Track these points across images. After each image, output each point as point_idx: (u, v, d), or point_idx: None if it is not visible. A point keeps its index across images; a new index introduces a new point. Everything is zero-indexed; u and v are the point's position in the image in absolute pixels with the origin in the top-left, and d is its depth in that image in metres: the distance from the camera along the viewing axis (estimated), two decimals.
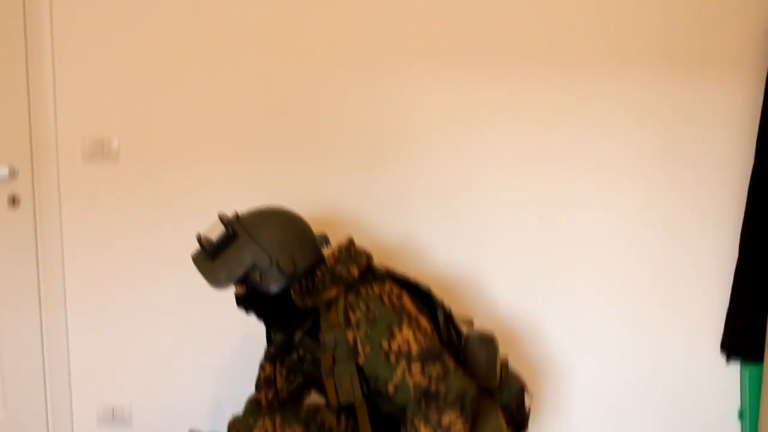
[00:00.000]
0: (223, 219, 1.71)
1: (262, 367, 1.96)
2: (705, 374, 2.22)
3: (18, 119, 2.23)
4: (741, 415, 2.21)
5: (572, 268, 2.21)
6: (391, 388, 1.61)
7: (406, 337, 1.62)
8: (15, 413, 2.34)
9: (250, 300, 1.72)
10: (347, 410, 1.71)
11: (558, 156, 2.17)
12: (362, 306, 1.66)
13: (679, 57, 2.12)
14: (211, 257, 1.67)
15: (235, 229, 1.67)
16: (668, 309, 2.21)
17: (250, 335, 2.23)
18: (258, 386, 1.97)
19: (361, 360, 1.62)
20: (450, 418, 1.58)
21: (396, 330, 1.62)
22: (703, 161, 2.16)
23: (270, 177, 2.22)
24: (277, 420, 1.81)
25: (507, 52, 2.14)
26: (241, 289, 1.71)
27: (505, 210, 2.19)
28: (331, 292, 1.68)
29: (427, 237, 2.22)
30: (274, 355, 1.86)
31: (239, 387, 2.12)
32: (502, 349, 1.95)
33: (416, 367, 1.60)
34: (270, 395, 1.93)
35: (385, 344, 1.61)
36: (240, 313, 1.77)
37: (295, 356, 1.80)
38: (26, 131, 2.23)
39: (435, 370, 1.60)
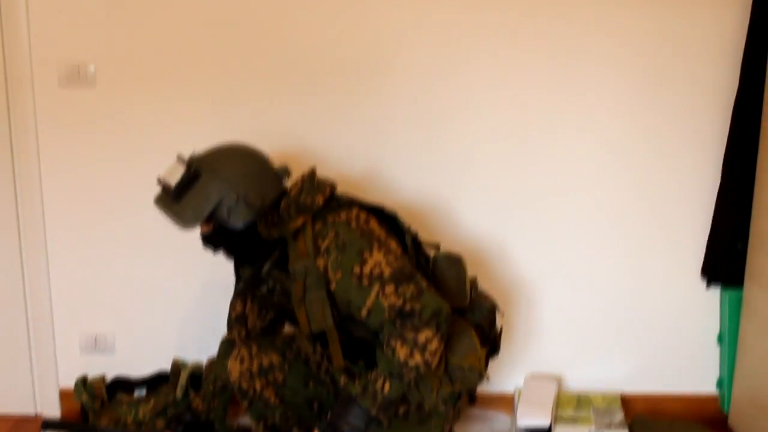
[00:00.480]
0: (182, 159, 1.69)
1: (232, 306, 1.96)
2: (685, 299, 2.24)
3: None
4: (720, 338, 2.23)
5: (551, 191, 2.21)
6: (364, 312, 1.62)
7: (378, 260, 1.63)
8: None
9: (217, 237, 1.72)
10: (321, 338, 1.72)
11: (538, 79, 2.15)
12: (330, 233, 1.66)
13: None
14: (175, 198, 1.64)
15: (197, 167, 1.65)
16: (649, 234, 2.22)
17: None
18: (230, 325, 1.97)
19: (333, 286, 1.63)
20: (426, 335, 1.59)
21: (366, 254, 1.63)
22: (687, 85, 2.15)
23: (242, 105, 2.20)
24: (254, 348, 1.82)
25: None
26: (208, 228, 1.70)
27: (483, 134, 2.18)
28: (298, 222, 1.67)
29: (397, 168, 2.21)
30: (243, 291, 1.87)
31: (222, 314, 2.11)
32: (474, 272, 1.96)
33: (390, 288, 1.61)
34: (242, 333, 1.94)
35: (356, 269, 1.62)
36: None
37: (264, 289, 1.80)
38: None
39: (409, 290, 1.61)
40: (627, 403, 2.27)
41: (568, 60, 2.13)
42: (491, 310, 1.87)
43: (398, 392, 1.63)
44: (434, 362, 1.62)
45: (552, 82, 2.14)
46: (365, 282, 1.61)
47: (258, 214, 1.67)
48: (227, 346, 1.97)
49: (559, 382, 2.28)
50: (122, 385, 2.24)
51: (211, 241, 1.73)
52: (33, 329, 2.33)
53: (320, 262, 1.64)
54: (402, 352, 1.58)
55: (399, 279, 1.61)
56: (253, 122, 2.20)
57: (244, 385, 1.79)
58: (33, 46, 2.17)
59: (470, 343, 1.73)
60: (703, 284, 2.22)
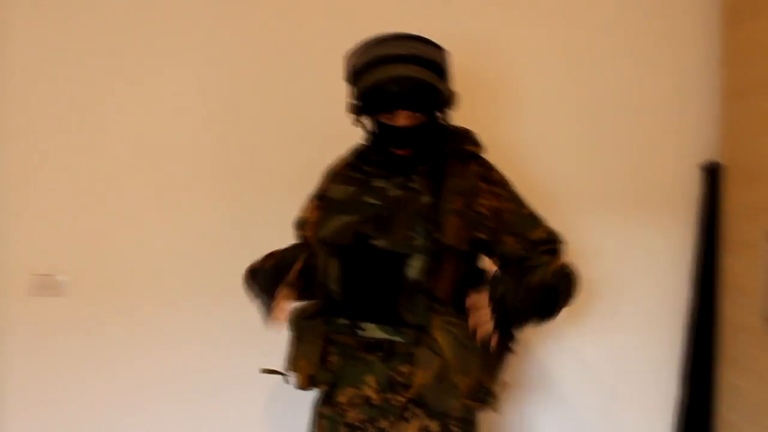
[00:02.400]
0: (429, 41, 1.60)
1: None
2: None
3: None
4: None
5: None
6: (535, 235, 1.63)
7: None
8: None
9: (422, 132, 1.60)
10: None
11: None
12: (500, 171, 1.70)
13: (616, 198, 2.21)
14: (441, 78, 1.58)
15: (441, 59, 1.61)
16: None
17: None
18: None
19: (503, 216, 1.63)
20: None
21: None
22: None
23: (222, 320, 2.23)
24: None
25: None
26: (421, 119, 1.59)
27: None
28: (476, 148, 1.69)
29: None
30: (389, 170, 1.65)
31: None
32: None
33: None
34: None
35: (524, 203, 1.67)
36: None
37: (401, 179, 1.64)
38: None
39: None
40: None
41: None
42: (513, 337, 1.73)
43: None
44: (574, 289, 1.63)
45: None
46: (534, 213, 1.67)
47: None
48: None
49: None
50: None
51: (415, 134, 1.59)
52: None
53: (485, 189, 1.63)
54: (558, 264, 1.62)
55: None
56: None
57: None
58: (3, 254, 2.21)
59: (496, 364, 1.64)
60: None
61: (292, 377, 1.64)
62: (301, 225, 1.79)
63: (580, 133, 2.21)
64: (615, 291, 2.20)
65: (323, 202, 1.71)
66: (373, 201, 1.61)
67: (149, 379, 2.24)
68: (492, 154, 1.72)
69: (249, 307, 2.14)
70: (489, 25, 2.21)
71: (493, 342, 1.54)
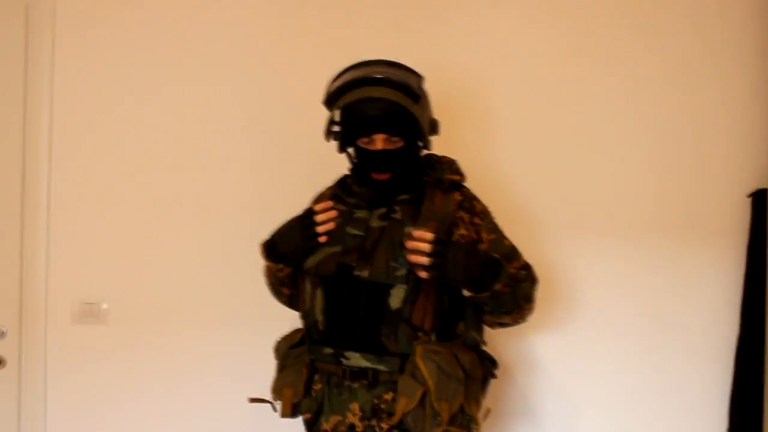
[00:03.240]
0: (407, 68, 1.64)
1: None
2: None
3: (9, 282, 2.23)
4: None
5: None
6: (516, 265, 1.62)
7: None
8: None
9: (400, 156, 1.63)
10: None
11: None
12: (482, 202, 1.71)
13: (664, 227, 2.18)
14: (415, 101, 1.59)
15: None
16: None
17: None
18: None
19: (484, 246, 1.63)
20: (533, 290, 1.65)
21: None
22: (690, 329, 2.18)
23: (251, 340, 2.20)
24: None
25: None
26: (399, 143, 1.62)
27: None
28: (456, 177, 1.70)
29: None
30: (370, 202, 1.68)
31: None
32: None
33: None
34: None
35: (506, 237, 1.68)
36: None
37: (384, 210, 1.66)
38: (17, 294, 2.23)
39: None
40: None
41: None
42: (493, 362, 1.72)
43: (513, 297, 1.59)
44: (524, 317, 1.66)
45: None
46: (512, 246, 1.67)
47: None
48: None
49: None
50: None
51: (393, 158, 1.63)
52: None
53: (466, 220, 1.64)
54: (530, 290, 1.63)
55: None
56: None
57: None
58: (49, 284, 2.23)
59: (479, 390, 1.64)
60: None
61: (278, 405, 1.67)
62: None
63: (629, 159, 2.19)
64: (664, 322, 2.17)
65: None
66: (356, 232, 1.63)
67: (188, 404, 2.24)
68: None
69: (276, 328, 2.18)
70: (487, 49, 2.22)
71: (422, 274, 1.51)
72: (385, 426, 1.58)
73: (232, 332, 2.23)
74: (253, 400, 1.74)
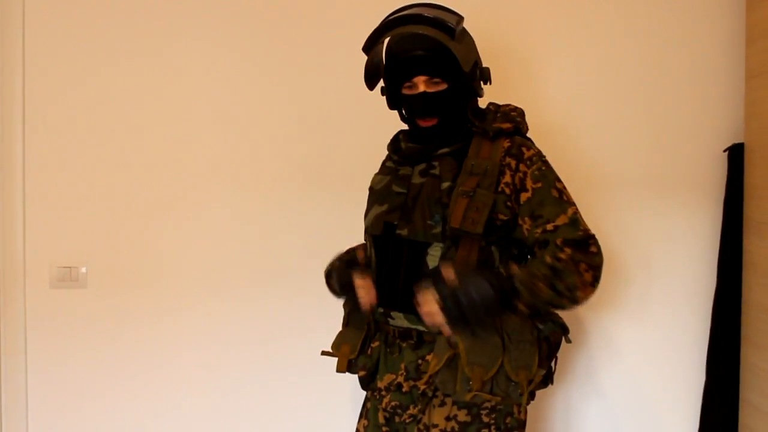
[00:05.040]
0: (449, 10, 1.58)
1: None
2: None
3: None
4: None
5: None
6: (550, 226, 1.49)
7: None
8: None
9: (446, 99, 1.56)
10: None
11: None
12: (534, 148, 1.59)
13: (642, 183, 2.20)
14: (454, 38, 1.51)
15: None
16: None
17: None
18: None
19: (527, 195, 1.51)
20: (590, 279, 1.46)
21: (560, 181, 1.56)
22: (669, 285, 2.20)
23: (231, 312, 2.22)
24: None
25: None
26: (442, 86, 1.56)
27: None
28: (506, 125, 1.59)
29: None
30: (406, 158, 1.63)
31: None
32: None
33: (579, 215, 1.52)
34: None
35: (558, 184, 1.54)
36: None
37: (423, 166, 1.60)
38: None
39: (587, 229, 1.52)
40: None
41: None
42: (563, 327, 1.60)
43: (543, 302, 1.46)
44: (578, 302, 1.47)
45: None
46: (565, 197, 1.53)
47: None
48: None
49: None
50: None
51: (436, 101, 1.55)
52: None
53: (521, 168, 1.53)
54: (571, 279, 1.44)
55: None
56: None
57: None
58: (27, 246, 2.19)
59: (530, 356, 1.49)
60: None
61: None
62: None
63: (604, 116, 2.20)
64: (643, 275, 2.21)
65: (370, 193, 1.73)
66: (400, 190, 1.60)
67: (170, 371, 2.22)
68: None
69: (272, 302, 2.17)
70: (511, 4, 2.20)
71: (445, 332, 1.46)
72: (421, 386, 1.56)
73: (215, 298, 2.22)
74: (325, 353, 1.71)
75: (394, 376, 1.60)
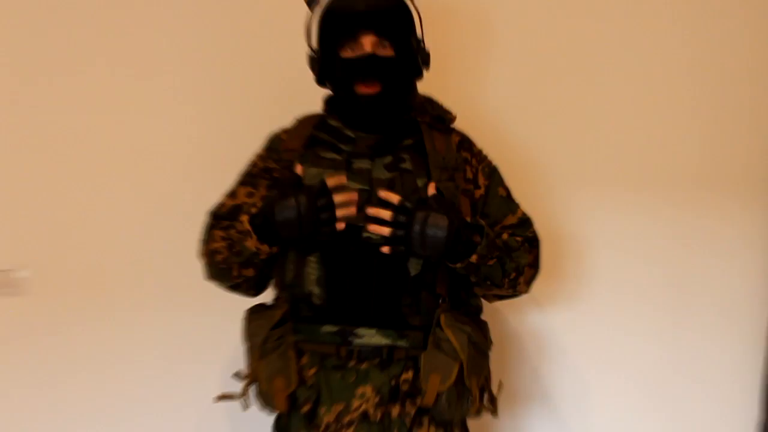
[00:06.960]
0: None
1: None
2: None
3: None
4: None
5: None
6: (513, 220, 1.50)
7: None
8: None
9: (392, 66, 1.41)
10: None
11: None
12: (478, 144, 1.55)
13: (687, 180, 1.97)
14: None
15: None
16: None
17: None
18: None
19: (480, 192, 1.49)
20: (529, 259, 1.46)
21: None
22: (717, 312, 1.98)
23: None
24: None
25: None
26: (390, 50, 1.42)
27: None
28: (452, 115, 1.53)
29: None
30: (374, 149, 1.45)
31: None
32: None
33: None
34: None
35: (504, 183, 1.54)
36: None
37: (390, 159, 1.45)
38: None
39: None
40: None
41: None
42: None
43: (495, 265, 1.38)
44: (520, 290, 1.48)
45: None
46: (511, 197, 1.54)
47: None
48: None
49: None
50: None
51: (384, 66, 1.40)
52: None
53: (472, 161, 1.50)
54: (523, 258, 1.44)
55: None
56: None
57: None
58: None
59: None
60: None
61: (260, 400, 1.44)
62: (234, 214, 1.46)
63: (642, 102, 1.96)
64: (688, 284, 1.97)
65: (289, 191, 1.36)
66: (358, 186, 1.39)
67: (122, 389, 1.97)
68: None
69: (231, 308, 1.89)
70: None
71: (383, 249, 1.33)
72: (411, 409, 1.39)
73: (173, 306, 1.97)
74: (222, 398, 1.47)
75: (344, 405, 1.39)
